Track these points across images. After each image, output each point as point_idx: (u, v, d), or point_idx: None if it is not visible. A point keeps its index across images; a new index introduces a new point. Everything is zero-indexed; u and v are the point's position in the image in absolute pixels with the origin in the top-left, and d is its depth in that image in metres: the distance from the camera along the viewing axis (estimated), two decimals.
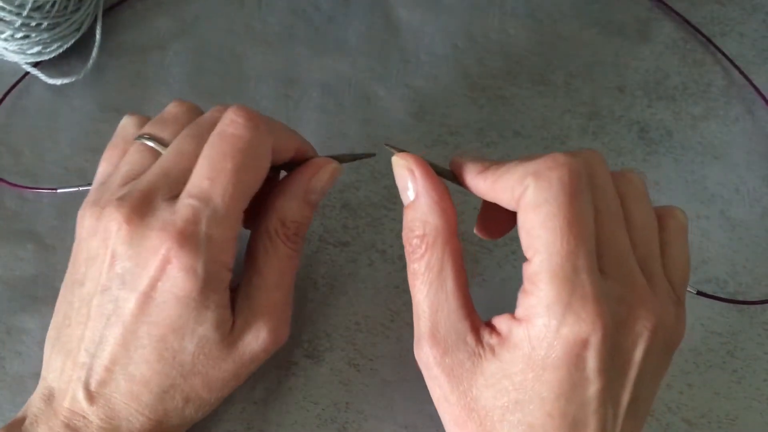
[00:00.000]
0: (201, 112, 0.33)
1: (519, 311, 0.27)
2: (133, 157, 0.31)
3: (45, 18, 0.39)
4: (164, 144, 0.31)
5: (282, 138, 0.31)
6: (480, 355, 0.28)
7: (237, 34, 0.44)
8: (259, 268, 0.31)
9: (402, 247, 0.39)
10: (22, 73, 0.41)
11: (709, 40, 0.45)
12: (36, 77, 0.41)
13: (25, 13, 0.38)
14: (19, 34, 0.39)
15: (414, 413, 0.36)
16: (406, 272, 0.38)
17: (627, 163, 0.42)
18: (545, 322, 0.26)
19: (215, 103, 0.41)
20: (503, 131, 0.42)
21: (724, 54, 0.44)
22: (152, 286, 0.28)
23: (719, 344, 0.38)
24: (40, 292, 0.37)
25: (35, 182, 0.39)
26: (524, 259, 0.27)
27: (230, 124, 0.29)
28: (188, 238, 0.28)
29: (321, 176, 0.32)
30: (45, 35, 0.39)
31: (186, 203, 0.28)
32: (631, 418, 0.28)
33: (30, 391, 0.35)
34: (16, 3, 0.37)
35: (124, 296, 0.28)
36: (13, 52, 0.40)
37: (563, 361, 0.26)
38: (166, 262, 0.28)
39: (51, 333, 0.31)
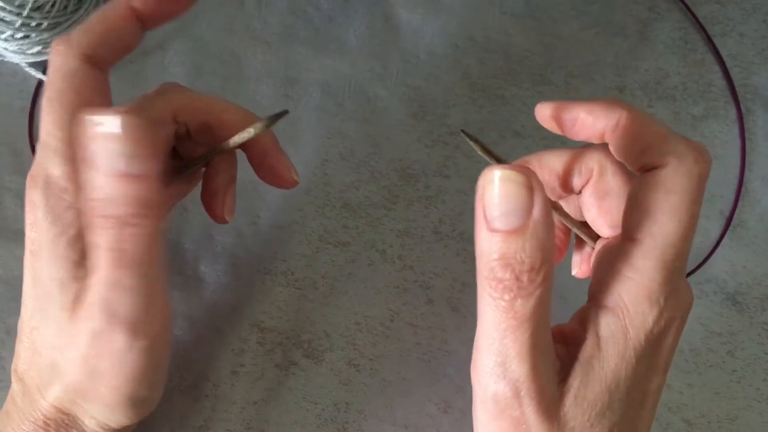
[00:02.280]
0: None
1: (611, 298, 0.25)
2: None
3: (45, 18, 0.39)
4: None
5: (97, 31, 0.29)
6: (564, 370, 0.26)
7: (237, 34, 0.44)
8: (96, 244, 0.29)
9: (402, 247, 0.39)
10: (25, 75, 0.41)
11: (706, 40, 0.45)
12: (36, 78, 0.41)
13: (25, 13, 0.38)
14: (20, 34, 0.39)
15: (414, 413, 0.36)
16: (405, 272, 0.39)
17: None
18: (645, 310, 0.25)
19: None
20: (503, 131, 0.42)
21: (716, 54, 0.44)
22: (30, 239, 0.28)
23: (719, 344, 0.38)
24: None
25: None
26: None
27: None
28: (32, 178, 0.28)
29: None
30: (45, 35, 0.39)
31: (37, 148, 0.28)
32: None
33: None
34: (17, 3, 0.37)
35: (26, 254, 0.28)
36: (13, 52, 0.40)
37: (652, 350, 0.25)
38: (27, 210, 0.28)
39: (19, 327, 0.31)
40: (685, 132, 0.43)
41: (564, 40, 0.45)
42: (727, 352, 0.38)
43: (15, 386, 0.29)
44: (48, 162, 0.27)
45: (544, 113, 0.27)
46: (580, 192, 0.30)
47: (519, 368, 0.24)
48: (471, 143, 0.26)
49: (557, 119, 0.27)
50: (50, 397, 0.28)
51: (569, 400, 0.25)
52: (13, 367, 0.30)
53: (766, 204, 0.41)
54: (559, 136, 0.42)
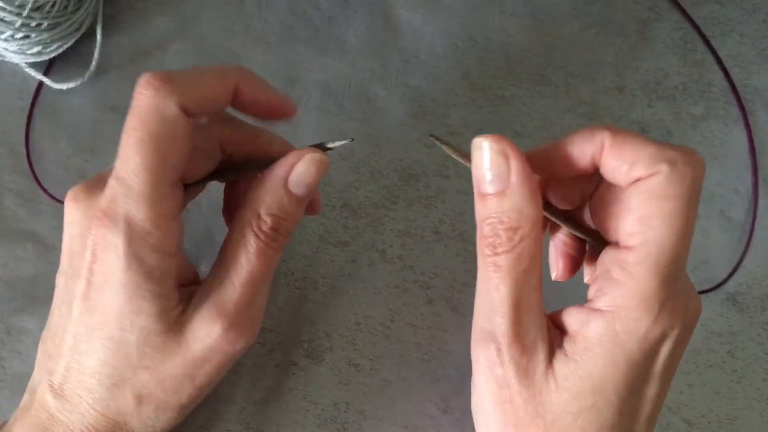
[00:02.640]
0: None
1: (603, 301, 0.26)
2: None
3: (45, 18, 0.39)
4: None
5: (199, 87, 0.28)
6: (553, 355, 0.27)
7: (237, 34, 0.44)
8: (225, 261, 0.29)
9: (402, 247, 0.39)
10: (25, 76, 0.41)
11: (706, 40, 0.45)
12: (36, 78, 0.41)
13: (25, 13, 0.38)
14: (20, 35, 0.39)
15: (414, 413, 0.36)
16: (405, 272, 0.39)
17: None
18: (638, 315, 0.25)
19: None
20: (503, 131, 0.42)
21: (716, 54, 0.44)
22: (90, 270, 0.27)
23: (719, 344, 0.38)
24: (40, 292, 0.37)
25: (34, 182, 0.39)
26: None
27: (135, 96, 0.28)
28: (107, 216, 0.27)
29: (304, 168, 0.29)
30: (45, 35, 0.39)
31: (109, 184, 0.27)
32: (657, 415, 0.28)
33: None
34: (17, 3, 0.37)
35: (71, 283, 0.28)
36: (13, 52, 0.40)
37: (644, 357, 0.25)
38: (95, 244, 0.27)
39: (44, 335, 0.31)
40: (685, 132, 0.43)
41: (564, 40, 0.45)
42: (727, 352, 0.38)
43: (51, 401, 0.29)
44: (130, 204, 0.27)
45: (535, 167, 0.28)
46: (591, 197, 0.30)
47: (499, 322, 0.26)
48: (442, 146, 0.28)
49: (546, 169, 0.28)
50: (110, 411, 0.29)
51: (553, 384, 0.26)
52: (42, 383, 0.29)
53: (767, 205, 0.41)
54: (558, 136, 0.42)
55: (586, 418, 0.26)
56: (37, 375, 0.30)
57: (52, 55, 0.41)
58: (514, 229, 0.26)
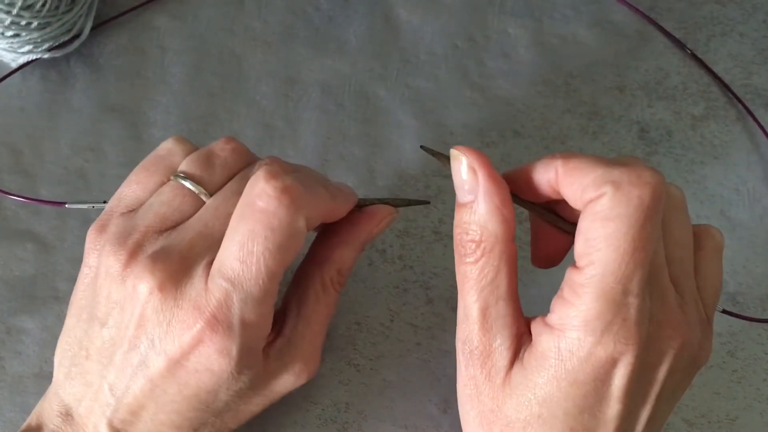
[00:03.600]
0: (251, 155, 0.31)
1: (553, 318, 0.26)
2: (173, 198, 0.29)
3: (35, 17, 0.39)
4: (209, 190, 0.29)
5: (323, 208, 0.29)
6: (512, 363, 0.27)
7: (237, 34, 0.44)
8: (306, 316, 0.30)
9: (402, 247, 0.39)
10: (23, 74, 0.41)
11: (696, 57, 0.45)
12: (35, 77, 0.41)
13: (14, 11, 0.38)
14: (9, 33, 0.39)
15: (414, 413, 0.36)
16: (405, 272, 0.39)
17: None
18: (580, 336, 0.25)
19: (215, 103, 0.42)
20: (503, 131, 0.42)
21: (710, 70, 0.44)
22: (184, 356, 0.27)
23: (719, 344, 0.38)
24: (40, 292, 0.37)
25: (35, 183, 0.39)
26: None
27: (261, 196, 0.26)
28: (221, 322, 0.26)
29: (383, 225, 0.31)
30: (35, 34, 0.39)
31: (218, 284, 0.26)
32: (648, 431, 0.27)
33: (30, 392, 0.35)
34: (6, 1, 0.37)
35: (153, 356, 0.27)
36: (4, 50, 0.40)
37: (591, 377, 0.25)
38: (198, 341, 0.27)
39: (63, 352, 0.30)
40: (685, 132, 0.43)
41: (564, 40, 0.45)
42: (728, 353, 0.38)
43: None
44: (246, 309, 0.27)
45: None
46: None
47: (470, 327, 0.28)
48: (434, 157, 0.29)
49: (516, 190, 0.29)
50: None
51: (508, 389, 0.27)
52: (97, 417, 0.29)
53: (766, 204, 0.41)
54: (558, 135, 0.42)
55: (534, 427, 0.27)
56: (74, 405, 0.29)
57: (44, 55, 0.41)
58: (477, 243, 0.27)
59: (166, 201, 0.29)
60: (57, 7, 0.39)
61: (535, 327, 0.27)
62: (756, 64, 0.45)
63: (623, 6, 0.45)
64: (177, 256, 0.27)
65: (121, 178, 0.40)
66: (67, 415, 0.30)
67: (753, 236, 0.41)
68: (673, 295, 0.27)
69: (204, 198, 0.29)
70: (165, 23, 0.44)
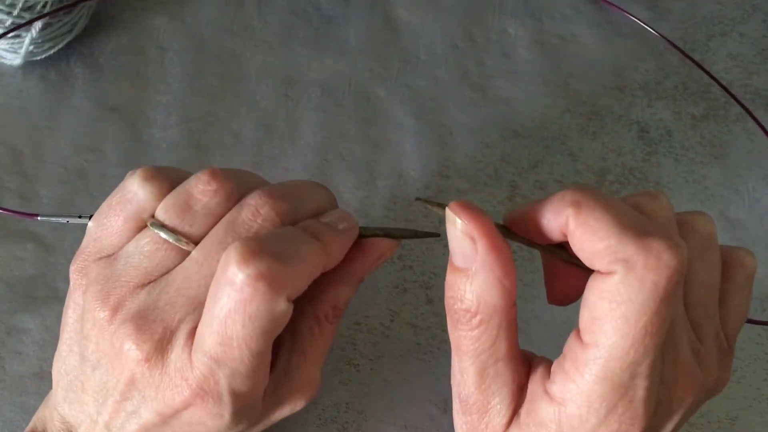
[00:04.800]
0: (236, 192, 0.28)
1: (553, 389, 0.25)
2: (154, 252, 0.27)
3: (36, 18, 0.39)
4: (191, 239, 0.27)
5: (304, 276, 0.26)
6: (511, 419, 0.26)
7: (237, 34, 0.44)
8: (303, 349, 0.29)
9: (402, 247, 0.39)
10: (24, 75, 0.41)
11: (701, 67, 0.45)
12: (35, 77, 0.41)
13: (15, 12, 0.38)
14: (10, 33, 0.39)
15: (414, 413, 0.36)
16: (405, 272, 0.39)
17: (627, 163, 0.42)
18: (583, 415, 0.24)
19: (215, 103, 0.42)
20: (503, 131, 0.42)
21: (711, 76, 0.44)
22: (176, 414, 0.27)
23: None
24: (40, 292, 0.37)
25: (34, 183, 0.39)
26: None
27: (235, 283, 0.24)
28: (208, 393, 0.26)
29: (381, 261, 0.29)
30: (36, 35, 0.39)
31: (201, 360, 0.25)
32: None
33: (30, 392, 0.35)
34: (7, 2, 0.37)
35: (144, 409, 0.27)
36: (4, 50, 0.40)
37: None
38: (188, 404, 0.26)
39: (60, 374, 0.30)
40: (685, 132, 0.43)
41: (564, 40, 0.45)
42: None
43: None
44: (234, 383, 0.26)
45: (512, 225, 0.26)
46: None
47: (465, 385, 0.26)
48: (432, 209, 0.26)
49: (522, 231, 0.26)
50: None
51: None
52: None
53: (766, 204, 0.41)
54: (558, 136, 0.42)
55: None
56: (75, 423, 0.29)
57: (44, 56, 0.41)
58: (472, 313, 0.25)
59: (147, 254, 0.27)
60: (58, 9, 0.39)
61: (535, 387, 0.26)
62: (756, 64, 0.45)
63: (624, 15, 0.45)
64: (160, 324, 0.26)
65: (121, 178, 0.40)
66: (69, 431, 0.30)
67: (753, 236, 0.41)
68: (689, 350, 0.25)
69: (186, 247, 0.27)
70: (165, 23, 0.44)
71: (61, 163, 0.40)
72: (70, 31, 0.41)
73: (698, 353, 0.26)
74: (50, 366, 0.36)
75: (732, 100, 0.44)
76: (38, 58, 0.41)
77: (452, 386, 0.27)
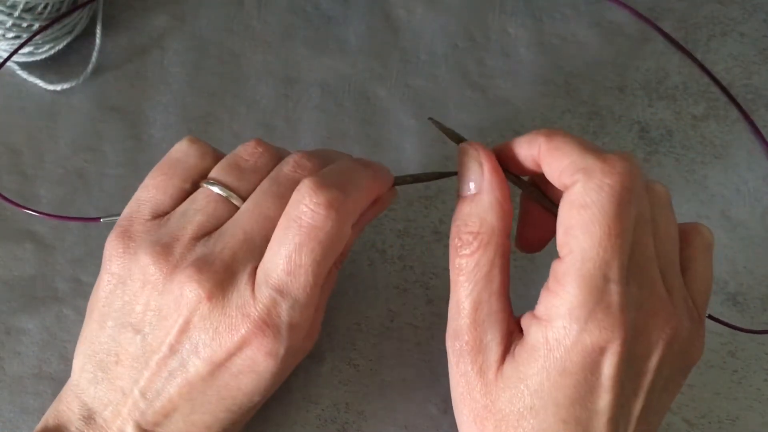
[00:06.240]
0: (279, 155, 0.31)
1: (540, 309, 0.27)
2: (207, 205, 0.30)
3: (36, 20, 0.39)
4: (241, 195, 0.30)
5: (363, 202, 0.30)
6: (504, 357, 0.28)
7: (237, 33, 0.44)
8: None
9: (402, 247, 0.39)
10: (19, 77, 0.41)
11: (695, 59, 0.45)
12: (35, 78, 0.41)
13: (16, 14, 0.38)
14: (11, 35, 0.39)
15: (414, 413, 0.36)
16: (405, 272, 0.38)
17: None
18: (566, 324, 0.26)
19: (215, 103, 0.42)
20: (503, 131, 0.42)
21: (706, 70, 0.44)
22: (228, 359, 0.28)
23: (720, 344, 0.38)
24: (39, 292, 0.37)
25: (34, 183, 0.39)
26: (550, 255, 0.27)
27: (308, 212, 0.27)
28: (269, 326, 0.27)
29: (383, 207, 0.32)
30: (36, 37, 0.39)
31: (266, 293, 0.27)
32: (643, 427, 0.28)
33: (29, 392, 0.35)
34: (8, 3, 0.37)
35: (194, 361, 0.28)
36: (5, 51, 0.40)
37: (579, 367, 0.26)
38: (245, 343, 0.27)
39: (87, 358, 0.30)
40: (686, 131, 0.43)
41: (564, 40, 0.45)
42: (728, 353, 0.38)
43: None
44: (295, 315, 0.28)
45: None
46: None
47: (462, 321, 0.28)
48: (441, 131, 0.31)
49: (502, 161, 0.29)
50: None
51: (501, 383, 0.27)
52: (125, 419, 0.29)
53: (767, 204, 0.41)
54: None
55: (527, 419, 0.27)
56: (98, 408, 0.29)
57: (44, 56, 0.41)
58: (474, 234, 0.28)
59: (200, 208, 0.29)
60: (58, 10, 0.39)
61: (525, 321, 0.28)
62: (756, 64, 0.44)
63: (624, 10, 0.45)
64: (221, 265, 0.28)
65: (121, 178, 0.40)
66: (90, 419, 0.29)
67: (753, 236, 0.41)
68: (662, 286, 0.27)
69: (237, 203, 0.30)
70: (165, 23, 0.44)
71: (60, 163, 0.40)
72: (70, 32, 0.41)
73: (671, 297, 0.28)
74: (50, 366, 0.36)
75: (733, 100, 0.44)
76: (38, 58, 0.41)
77: (447, 340, 0.29)
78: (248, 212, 0.29)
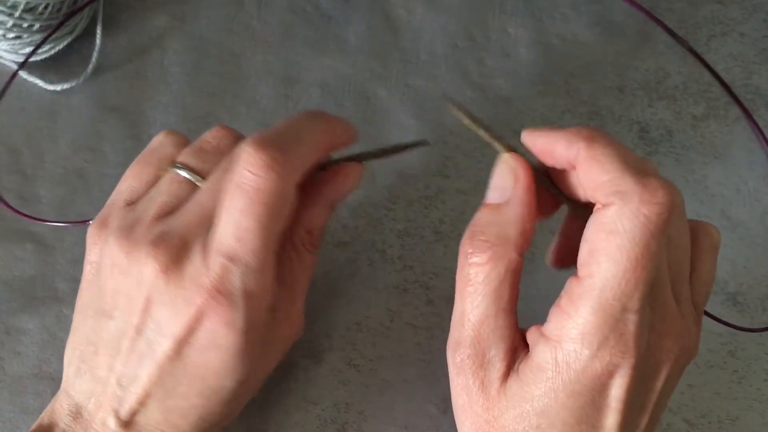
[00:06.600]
0: (242, 138, 0.31)
1: (549, 328, 0.26)
2: (169, 187, 0.30)
3: (37, 20, 0.39)
4: (204, 177, 0.30)
5: (309, 160, 0.29)
6: (508, 374, 0.27)
7: (237, 33, 0.44)
8: (284, 281, 0.30)
9: (402, 247, 0.39)
10: (20, 77, 0.41)
11: (697, 55, 0.45)
12: (35, 78, 0.41)
13: (17, 14, 0.38)
14: (11, 35, 0.39)
15: (414, 413, 0.36)
16: (405, 272, 0.38)
17: None
18: (577, 348, 0.25)
19: (215, 103, 0.42)
20: (503, 131, 0.42)
21: (710, 68, 0.44)
22: (189, 333, 0.27)
23: (720, 344, 0.38)
24: (39, 292, 0.37)
25: (34, 183, 0.39)
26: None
27: (248, 175, 0.27)
28: (223, 294, 0.27)
29: (349, 188, 0.32)
30: (37, 36, 0.39)
31: (217, 261, 0.27)
32: None
33: (29, 392, 0.35)
34: (9, 4, 0.37)
35: (159, 340, 0.28)
36: (5, 51, 0.40)
37: (588, 389, 0.25)
38: (202, 315, 0.27)
39: (72, 351, 0.30)
40: (686, 131, 0.43)
41: (564, 40, 0.45)
42: (728, 353, 0.38)
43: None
44: (248, 281, 0.27)
45: (527, 143, 0.29)
46: None
47: (465, 333, 0.27)
48: (457, 113, 0.30)
49: (535, 150, 0.29)
50: None
51: (504, 401, 0.27)
52: (102, 408, 0.29)
53: (766, 204, 0.41)
54: None
55: None
56: (84, 403, 0.29)
57: (45, 56, 0.41)
58: (489, 244, 0.27)
59: (164, 190, 0.30)
60: (59, 10, 0.39)
61: (531, 336, 0.27)
62: (756, 64, 0.44)
63: (625, 3, 0.45)
64: (176, 239, 0.28)
65: (120, 178, 0.40)
66: (77, 414, 0.30)
67: (753, 236, 0.41)
68: (673, 303, 0.27)
69: (200, 184, 0.30)
70: (165, 23, 0.44)
71: (60, 163, 0.40)
72: (70, 33, 0.41)
73: (680, 310, 0.27)
74: (50, 366, 0.36)
75: (733, 100, 0.44)
76: (38, 58, 0.41)
77: (449, 350, 0.29)
78: (207, 190, 0.29)
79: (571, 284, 0.26)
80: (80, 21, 0.41)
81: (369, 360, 0.37)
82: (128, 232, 0.29)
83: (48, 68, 0.42)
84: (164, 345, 0.28)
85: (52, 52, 0.41)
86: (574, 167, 0.27)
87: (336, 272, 0.38)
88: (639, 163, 0.26)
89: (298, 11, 0.44)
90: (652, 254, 0.24)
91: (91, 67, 0.41)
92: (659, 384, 0.27)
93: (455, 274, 0.28)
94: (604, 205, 0.25)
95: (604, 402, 0.26)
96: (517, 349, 0.27)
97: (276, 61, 0.43)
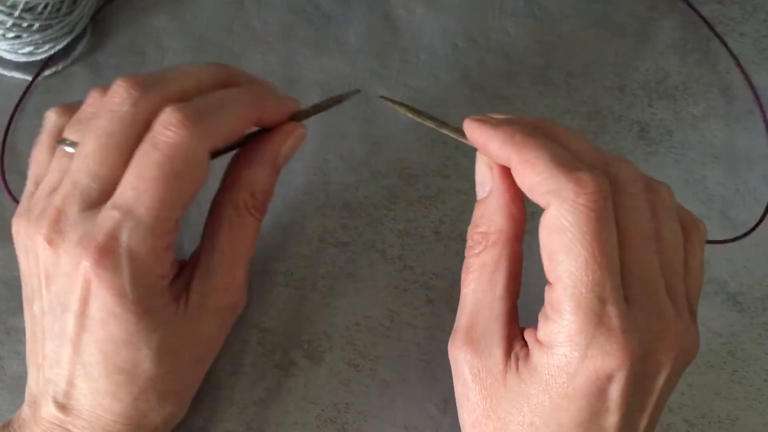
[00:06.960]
0: (127, 99, 0.28)
1: (540, 334, 0.26)
2: (57, 163, 0.29)
3: (36, 19, 0.39)
4: None
5: (227, 127, 0.28)
6: (506, 367, 0.27)
7: (236, 33, 0.44)
8: (221, 243, 0.30)
9: (402, 247, 0.39)
10: (21, 77, 0.41)
11: (712, 29, 0.45)
12: (30, 76, 0.41)
13: (16, 13, 0.38)
14: (11, 34, 0.39)
15: (414, 413, 0.36)
16: (405, 272, 0.39)
17: None
18: (567, 352, 0.25)
19: None
20: None
21: (727, 47, 0.44)
22: (84, 304, 0.27)
23: (720, 344, 0.38)
24: None
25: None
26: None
27: (161, 130, 0.26)
28: (106, 254, 0.26)
29: (292, 146, 0.31)
30: (36, 36, 0.39)
31: (107, 215, 0.26)
32: None
33: None
34: (8, 3, 0.37)
35: (65, 317, 0.27)
36: (5, 51, 0.40)
37: (584, 393, 0.25)
38: (89, 281, 0.26)
39: (27, 344, 0.31)
40: (686, 131, 0.43)
41: (564, 40, 0.45)
42: (728, 353, 0.38)
43: (60, 415, 0.29)
44: (136, 239, 0.26)
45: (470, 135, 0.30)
46: None
47: (462, 319, 0.29)
48: (396, 107, 0.31)
49: (472, 143, 0.30)
50: (132, 419, 0.29)
51: (503, 393, 0.27)
52: (45, 396, 0.29)
53: (767, 204, 0.41)
54: None
55: None
56: (35, 392, 0.30)
57: (44, 56, 0.41)
58: (482, 234, 0.29)
59: (53, 168, 0.29)
60: (58, 10, 0.39)
61: (528, 337, 0.27)
62: (756, 64, 0.44)
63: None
64: (52, 208, 0.27)
65: None
66: (33, 403, 0.30)
67: (753, 236, 0.40)
68: (668, 304, 0.27)
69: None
70: (165, 23, 0.44)
71: None
72: (70, 32, 0.41)
73: (676, 309, 0.27)
74: None
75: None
76: (38, 58, 0.41)
77: (450, 342, 0.29)
78: (79, 154, 0.28)
79: (547, 293, 0.26)
80: (79, 21, 0.41)
81: (369, 360, 0.37)
82: (27, 216, 0.29)
83: (48, 68, 0.42)
84: (69, 321, 0.27)
85: (52, 51, 0.41)
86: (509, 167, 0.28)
87: (336, 272, 0.38)
88: (567, 158, 0.26)
89: (298, 11, 0.44)
90: (603, 241, 0.25)
91: (91, 67, 0.41)
92: (659, 385, 0.27)
93: (455, 274, 0.29)
94: (545, 207, 0.26)
95: (602, 406, 0.26)
96: (514, 340, 0.28)
97: (276, 61, 0.43)
